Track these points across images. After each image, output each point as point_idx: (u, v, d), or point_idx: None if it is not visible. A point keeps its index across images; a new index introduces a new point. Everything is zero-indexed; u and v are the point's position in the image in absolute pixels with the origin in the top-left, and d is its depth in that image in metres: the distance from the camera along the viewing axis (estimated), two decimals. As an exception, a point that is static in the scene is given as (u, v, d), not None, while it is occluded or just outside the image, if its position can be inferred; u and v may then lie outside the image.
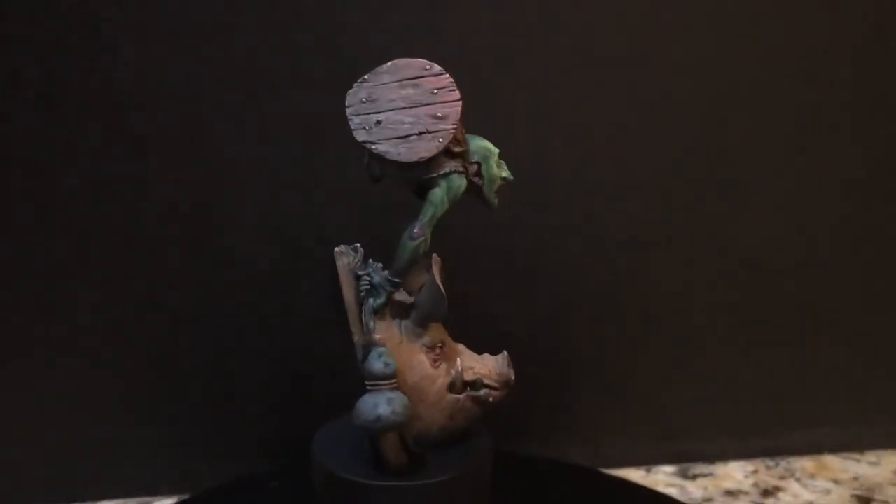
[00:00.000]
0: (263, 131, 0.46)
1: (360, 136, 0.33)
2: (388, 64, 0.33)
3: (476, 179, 0.36)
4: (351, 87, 0.33)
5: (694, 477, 0.52)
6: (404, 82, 0.33)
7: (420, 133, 0.33)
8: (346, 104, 0.33)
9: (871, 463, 0.53)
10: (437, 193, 0.34)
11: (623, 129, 0.49)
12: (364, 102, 0.33)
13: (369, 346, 0.34)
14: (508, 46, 0.47)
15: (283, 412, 0.49)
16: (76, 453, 0.48)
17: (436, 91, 0.33)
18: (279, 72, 0.46)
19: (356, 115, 0.33)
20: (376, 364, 0.33)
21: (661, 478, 0.51)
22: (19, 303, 0.47)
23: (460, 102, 0.33)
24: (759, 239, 0.51)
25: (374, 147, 0.33)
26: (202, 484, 0.48)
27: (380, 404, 0.33)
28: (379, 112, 0.33)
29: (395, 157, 0.33)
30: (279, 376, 0.49)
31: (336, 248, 0.35)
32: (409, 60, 0.33)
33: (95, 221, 0.46)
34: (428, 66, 0.33)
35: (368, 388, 0.33)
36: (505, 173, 0.37)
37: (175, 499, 0.48)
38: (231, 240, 0.47)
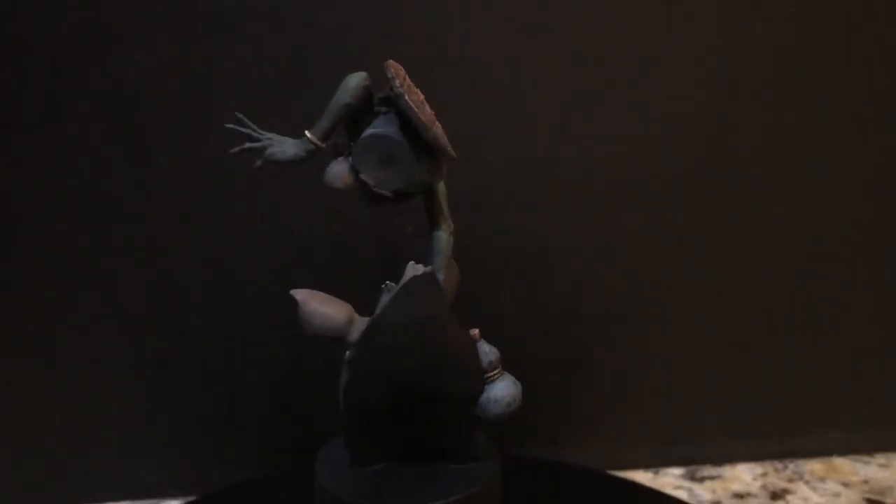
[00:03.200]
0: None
1: (443, 142, 0.31)
2: (388, 67, 0.31)
3: None
4: (400, 99, 0.30)
5: (702, 479, 0.51)
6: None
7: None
8: (412, 119, 0.31)
9: (880, 465, 0.53)
10: (443, 189, 0.34)
11: (633, 132, 0.48)
12: (417, 109, 0.31)
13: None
14: (517, 49, 0.47)
15: (289, 416, 0.49)
16: (82, 456, 0.48)
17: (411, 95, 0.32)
18: (286, 73, 0.45)
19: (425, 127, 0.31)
20: (495, 352, 0.34)
21: (669, 480, 0.51)
22: (25, 304, 0.47)
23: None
24: (768, 241, 0.51)
25: (452, 151, 0.32)
26: (208, 486, 0.48)
27: (516, 383, 0.34)
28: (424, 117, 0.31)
29: (453, 157, 0.32)
30: (285, 379, 0.49)
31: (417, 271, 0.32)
32: (390, 63, 0.31)
33: (100, 223, 0.46)
34: (390, 72, 0.31)
35: (495, 376, 0.34)
36: None
37: (181, 501, 0.48)
38: (237, 242, 0.47)
